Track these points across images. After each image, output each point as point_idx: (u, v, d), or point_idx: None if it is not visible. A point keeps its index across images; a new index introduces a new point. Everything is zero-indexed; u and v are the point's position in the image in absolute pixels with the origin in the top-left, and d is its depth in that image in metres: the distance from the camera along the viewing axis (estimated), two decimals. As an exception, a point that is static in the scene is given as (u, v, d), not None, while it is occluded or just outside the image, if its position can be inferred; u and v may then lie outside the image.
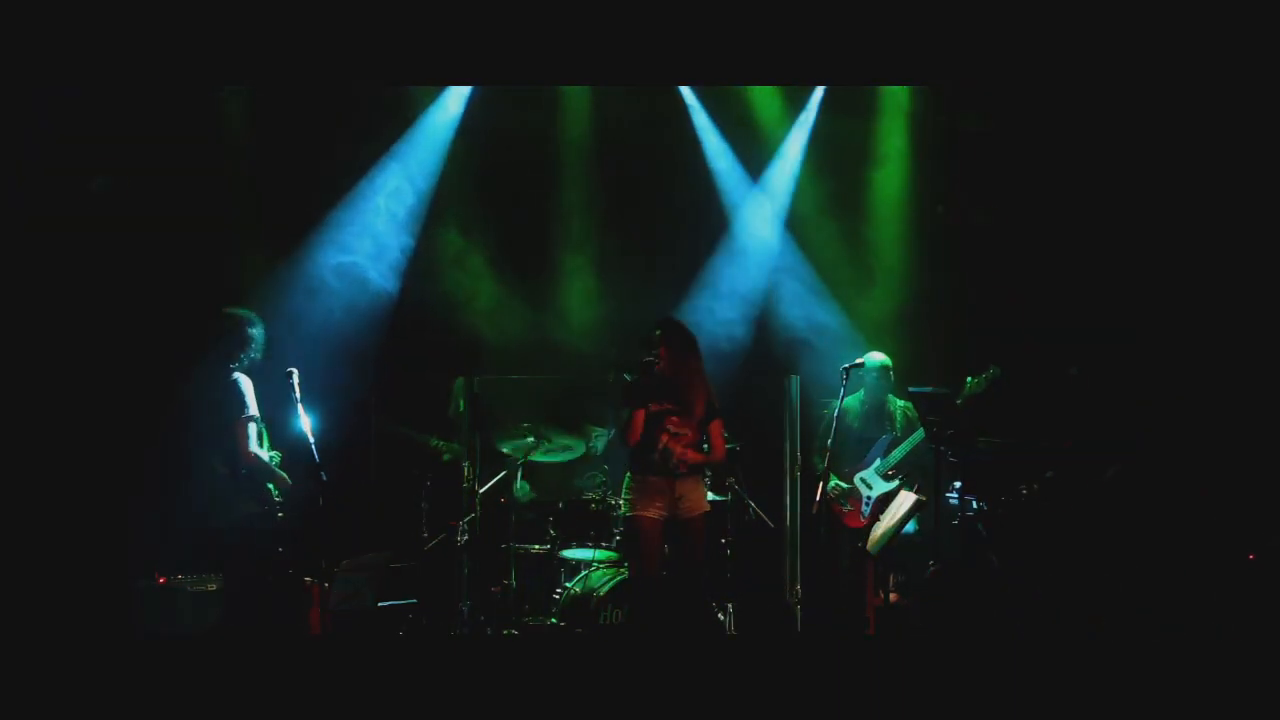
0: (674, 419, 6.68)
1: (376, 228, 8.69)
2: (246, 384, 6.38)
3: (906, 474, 7.75)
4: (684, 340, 6.78)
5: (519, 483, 8.11)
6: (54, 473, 7.48)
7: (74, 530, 7.46)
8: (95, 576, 7.33)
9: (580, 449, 8.14)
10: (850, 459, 7.87)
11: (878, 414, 7.96)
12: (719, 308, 9.04)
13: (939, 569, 7.31)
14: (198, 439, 6.37)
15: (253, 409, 6.34)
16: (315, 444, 6.42)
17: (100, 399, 7.64)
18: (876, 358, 7.89)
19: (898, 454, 7.78)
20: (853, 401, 7.86)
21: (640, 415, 6.59)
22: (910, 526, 7.15)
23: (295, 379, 6.48)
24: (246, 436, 6.33)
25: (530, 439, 7.95)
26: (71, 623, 7.00)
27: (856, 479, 7.84)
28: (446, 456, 8.16)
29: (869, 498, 7.79)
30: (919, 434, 7.62)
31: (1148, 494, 7.30)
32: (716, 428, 6.81)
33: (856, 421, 7.92)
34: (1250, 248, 7.91)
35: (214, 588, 7.01)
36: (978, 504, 7.42)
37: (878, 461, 7.83)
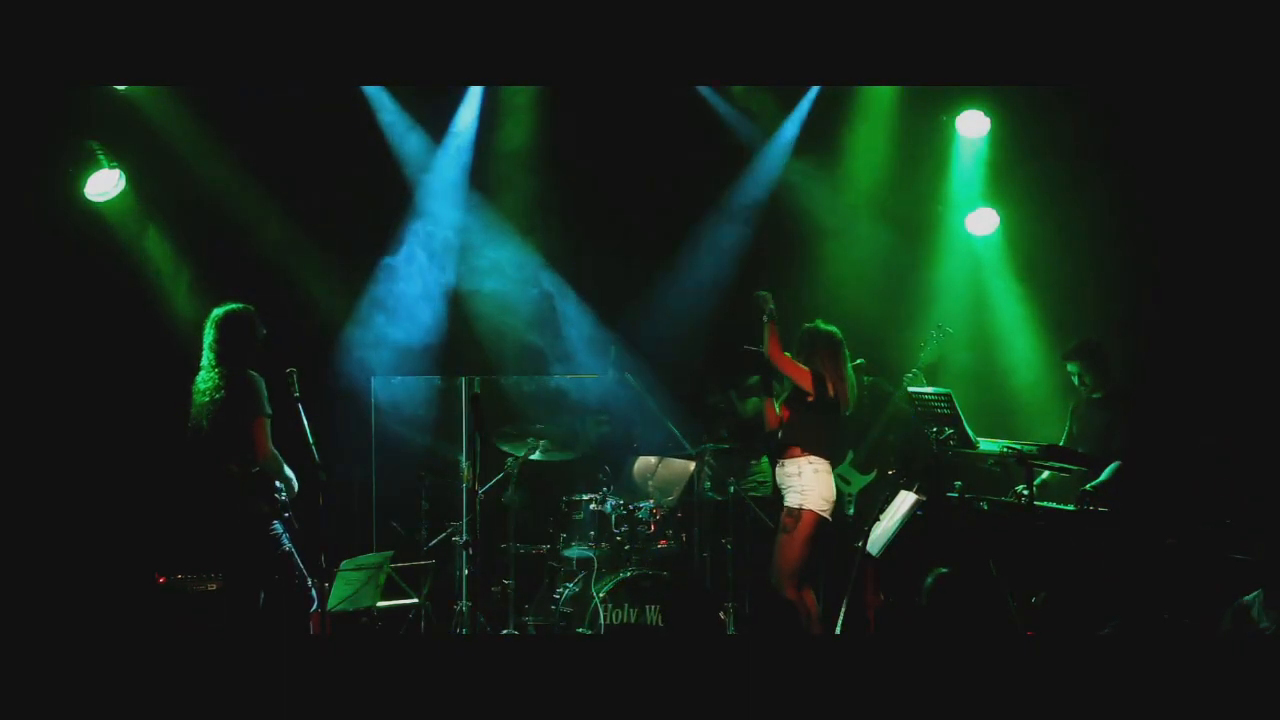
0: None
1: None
2: (260, 382, 6.36)
3: (883, 463, 7.57)
4: (809, 342, 7.11)
5: (510, 490, 8.08)
6: (62, 472, 7.50)
7: (81, 530, 7.49)
8: (101, 576, 7.36)
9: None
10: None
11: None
12: (719, 304, 9.09)
13: (942, 572, 7.31)
14: (211, 438, 6.36)
15: (268, 407, 6.33)
16: (315, 444, 6.41)
17: (109, 399, 7.66)
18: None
19: (867, 441, 7.62)
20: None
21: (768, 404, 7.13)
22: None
23: (295, 378, 6.47)
24: (265, 435, 6.31)
25: (532, 441, 7.96)
26: (76, 622, 7.02)
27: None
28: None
29: (850, 495, 7.66)
30: (885, 414, 7.50)
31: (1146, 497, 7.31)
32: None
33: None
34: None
35: (214, 587, 7.03)
36: (977, 505, 7.38)
37: (851, 454, 7.66)
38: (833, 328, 7.14)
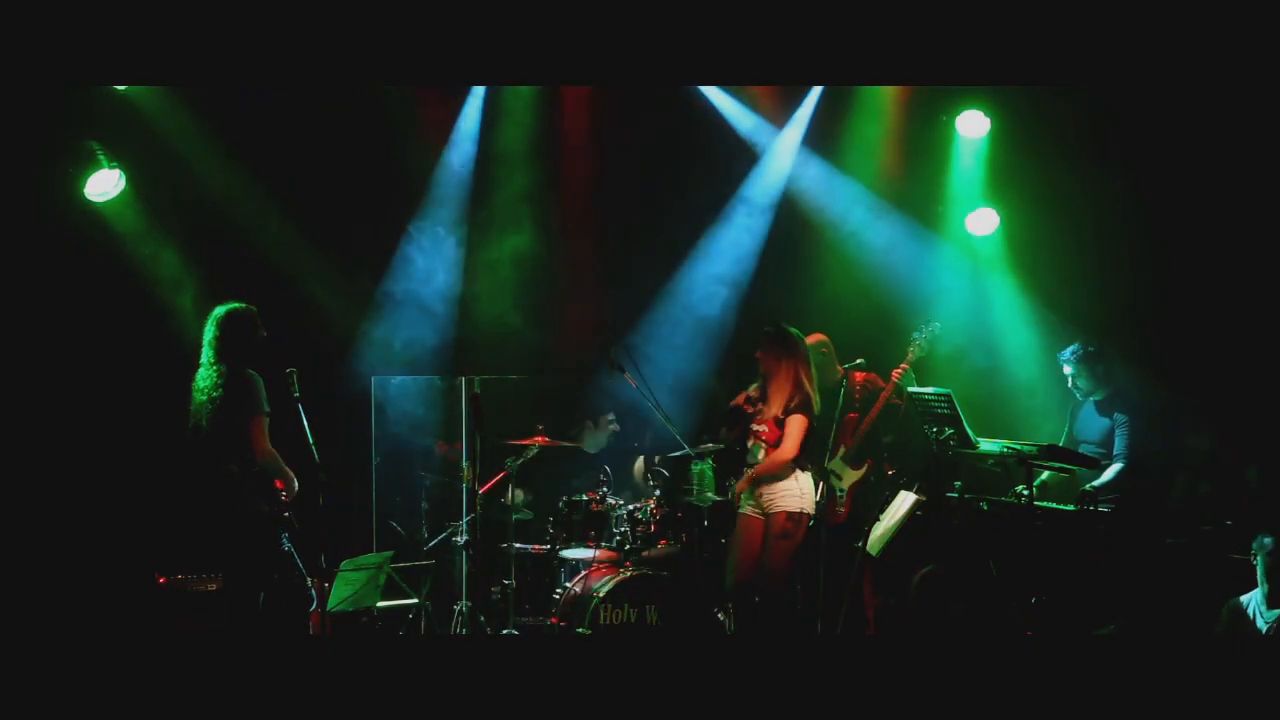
0: (758, 419, 7.11)
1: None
2: (259, 381, 6.36)
3: (874, 458, 7.61)
4: (777, 344, 7.11)
5: (513, 493, 8.06)
6: (63, 472, 7.50)
7: (81, 530, 7.49)
8: (102, 576, 7.35)
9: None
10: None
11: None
12: (720, 303, 9.10)
13: (934, 570, 7.32)
14: (211, 438, 6.35)
15: (266, 406, 6.33)
16: (315, 444, 6.41)
17: (109, 399, 7.66)
18: (812, 340, 7.70)
19: (859, 438, 7.67)
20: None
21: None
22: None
23: (295, 378, 6.47)
24: (262, 434, 6.32)
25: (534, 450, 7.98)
26: (77, 622, 7.02)
27: (828, 472, 7.43)
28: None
29: (842, 491, 7.69)
30: (879, 411, 7.58)
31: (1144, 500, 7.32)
32: (790, 424, 6.97)
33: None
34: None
35: (214, 587, 7.03)
36: (977, 505, 7.39)
37: (843, 449, 7.70)
38: (797, 331, 7.19)
